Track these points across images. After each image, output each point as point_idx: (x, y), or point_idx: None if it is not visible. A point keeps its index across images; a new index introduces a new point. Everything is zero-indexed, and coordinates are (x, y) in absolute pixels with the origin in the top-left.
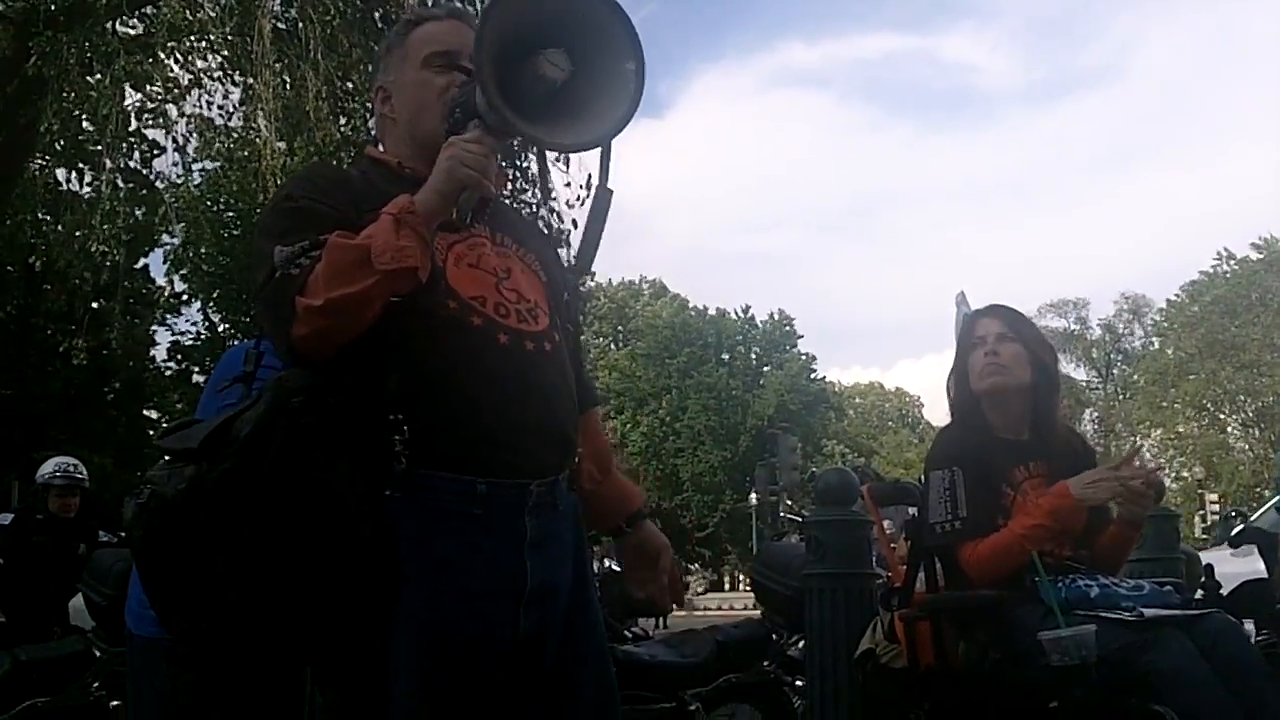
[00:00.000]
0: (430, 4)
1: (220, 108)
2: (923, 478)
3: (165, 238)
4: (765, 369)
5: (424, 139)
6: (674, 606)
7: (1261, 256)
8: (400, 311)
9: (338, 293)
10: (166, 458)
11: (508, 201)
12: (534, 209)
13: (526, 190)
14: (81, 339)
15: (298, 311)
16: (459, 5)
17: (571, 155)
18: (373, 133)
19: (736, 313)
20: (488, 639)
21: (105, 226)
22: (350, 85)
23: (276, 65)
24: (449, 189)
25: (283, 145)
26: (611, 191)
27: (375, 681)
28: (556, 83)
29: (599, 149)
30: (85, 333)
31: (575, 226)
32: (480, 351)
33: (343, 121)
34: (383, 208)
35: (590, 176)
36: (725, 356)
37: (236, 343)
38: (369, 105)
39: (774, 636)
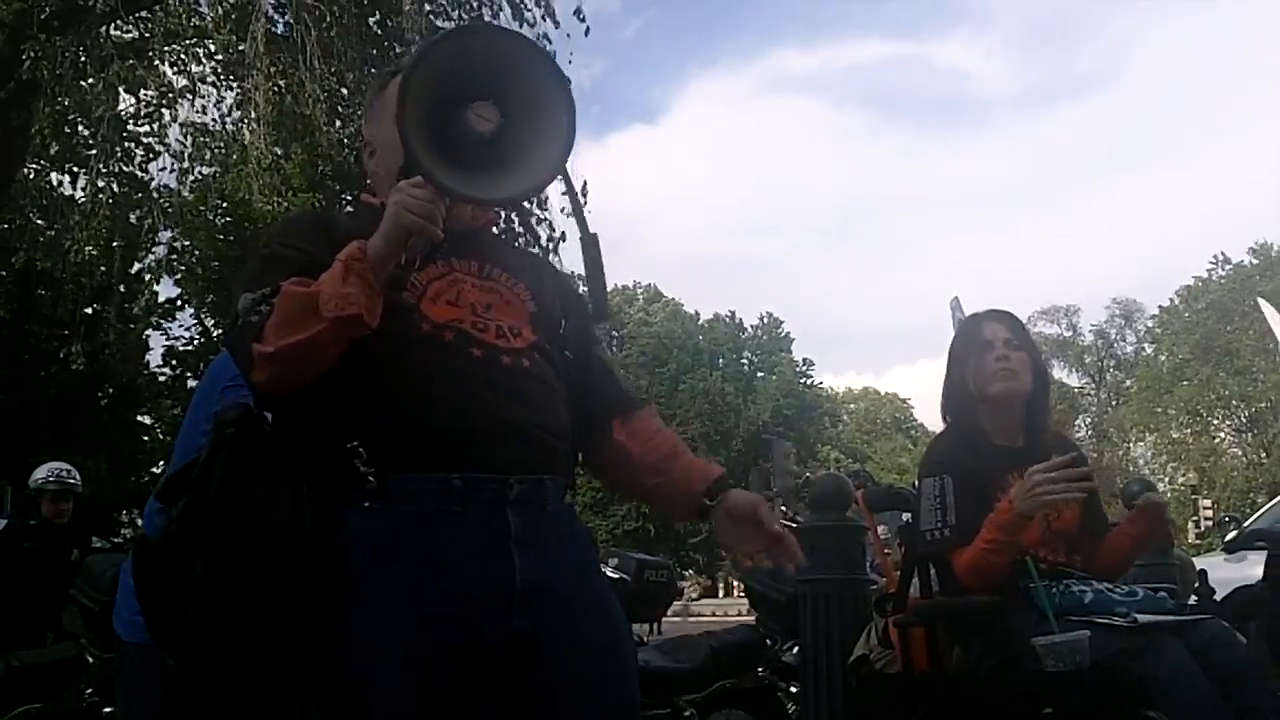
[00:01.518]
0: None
1: (216, 109)
2: (916, 483)
3: (157, 242)
4: (759, 375)
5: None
6: (794, 566)
7: (1257, 262)
8: (371, 343)
9: (286, 340)
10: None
11: (505, 222)
12: (526, 222)
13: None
14: (79, 343)
15: (254, 358)
16: None
17: (566, 160)
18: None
19: (729, 317)
20: (478, 642)
21: (98, 229)
22: (345, 92)
23: (271, 70)
24: (395, 235)
25: (279, 150)
26: (597, 236)
27: (362, 683)
28: (486, 135)
29: (571, 200)
30: (82, 338)
31: (565, 239)
32: (451, 360)
33: (338, 125)
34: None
35: (585, 183)
36: (720, 362)
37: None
38: (363, 110)
39: (768, 642)
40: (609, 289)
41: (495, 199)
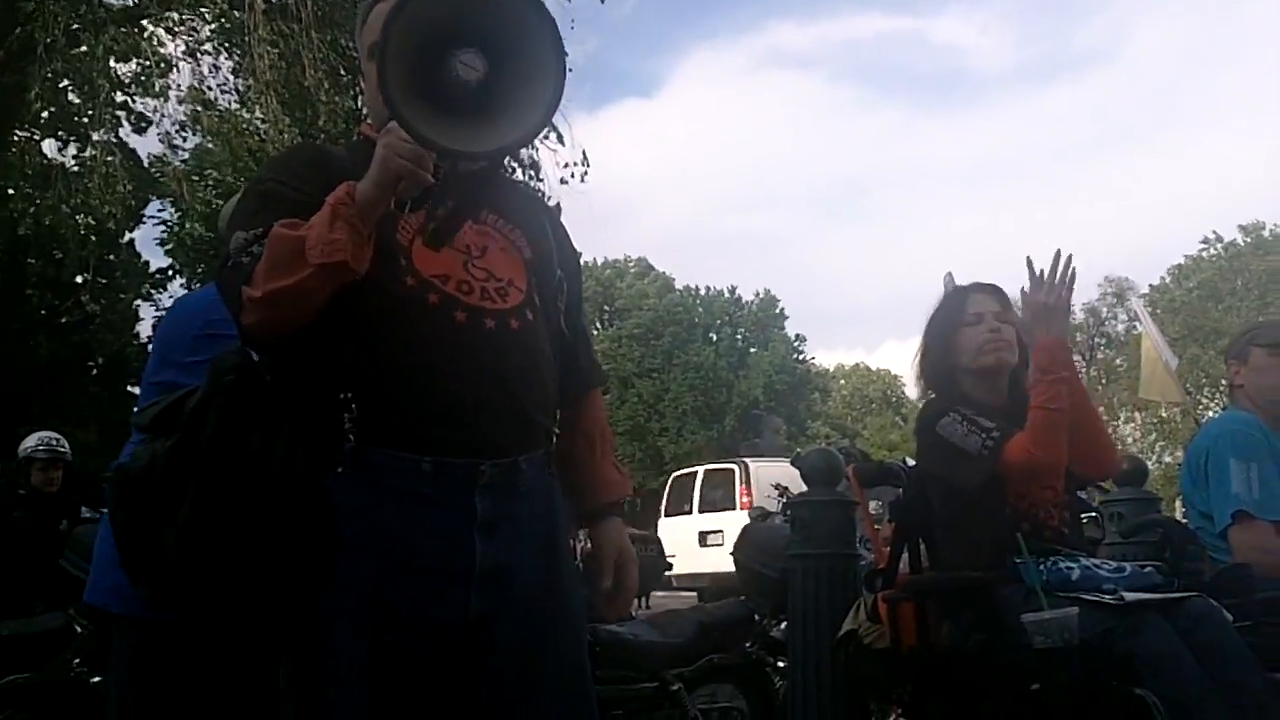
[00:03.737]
0: None
1: (212, 76)
2: (908, 459)
3: (150, 211)
4: (751, 350)
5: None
6: (613, 617)
7: (1249, 240)
8: (358, 288)
9: (273, 285)
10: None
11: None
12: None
13: (516, 169)
14: (87, 296)
15: (243, 302)
16: None
17: (563, 132)
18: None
19: (724, 292)
20: (433, 616)
21: (93, 200)
22: (342, 62)
23: (273, 37)
24: (384, 180)
25: (285, 119)
26: (559, 206)
27: (317, 653)
28: (471, 84)
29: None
30: (90, 299)
31: (560, 211)
32: (432, 328)
33: (336, 97)
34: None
35: (584, 153)
36: (712, 336)
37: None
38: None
39: (757, 617)
40: (602, 262)
41: (479, 152)
